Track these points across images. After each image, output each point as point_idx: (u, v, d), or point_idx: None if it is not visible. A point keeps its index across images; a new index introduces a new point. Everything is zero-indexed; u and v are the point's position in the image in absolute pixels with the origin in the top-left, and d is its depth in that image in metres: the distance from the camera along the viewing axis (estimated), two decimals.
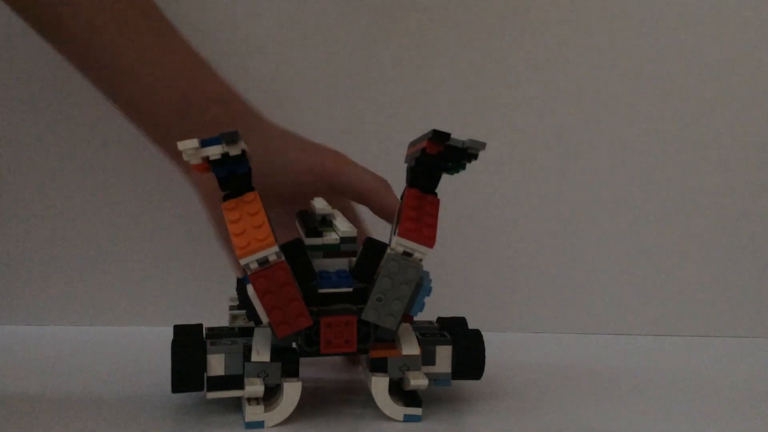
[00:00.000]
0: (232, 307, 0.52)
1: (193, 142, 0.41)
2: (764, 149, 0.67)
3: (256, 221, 0.43)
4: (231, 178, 0.43)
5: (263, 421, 0.45)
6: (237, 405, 0.48)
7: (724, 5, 0.66)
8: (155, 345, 0.58)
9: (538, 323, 0.68)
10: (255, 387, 0.45)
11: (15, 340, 0.63)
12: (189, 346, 0.46)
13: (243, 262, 0.43)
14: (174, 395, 0.48)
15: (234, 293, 0.51)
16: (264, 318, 0.44)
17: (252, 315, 0.44)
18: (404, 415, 0.47)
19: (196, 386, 0.46)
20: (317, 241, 0.46)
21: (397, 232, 0.45)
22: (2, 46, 0.64)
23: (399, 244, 0.44)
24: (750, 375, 0.58)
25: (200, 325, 0.49)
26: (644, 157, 0.67)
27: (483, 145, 0.44)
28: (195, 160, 0.42)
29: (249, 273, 0.43)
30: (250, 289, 0.43)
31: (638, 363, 0.60)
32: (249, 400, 0.46)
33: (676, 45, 0.66)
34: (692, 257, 0.67)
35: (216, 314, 0.57)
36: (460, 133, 0.44)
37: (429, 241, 0.45)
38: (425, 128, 0.45)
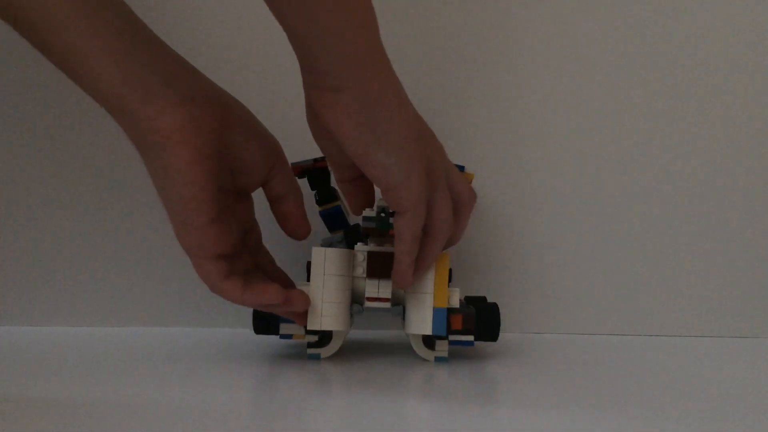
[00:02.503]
0: None
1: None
2: (765, 149, 0.67)
3: None
4: None
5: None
6: (241, 403, 0.48)
7: (732, 6, 0.66)
8: (155, 345, 0.58)
9: (537, 323, 0.68)
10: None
11: (15, 340, 0.63)
12: None
13: None
14: (172, 396, 0.48)
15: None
16: None
17: None
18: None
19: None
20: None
21: None
22: (2, 48, 0.64)
23: None
24: (750, 375, 0.58)
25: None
26: (644, 158, 0.67)
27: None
28: None
29: None
30: None
31: (638, 363, 0.60)
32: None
33: (683, 47, 0.66)
34: (693, 258, 0.67)
35: (215, 315, 0.57)
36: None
37: None
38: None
